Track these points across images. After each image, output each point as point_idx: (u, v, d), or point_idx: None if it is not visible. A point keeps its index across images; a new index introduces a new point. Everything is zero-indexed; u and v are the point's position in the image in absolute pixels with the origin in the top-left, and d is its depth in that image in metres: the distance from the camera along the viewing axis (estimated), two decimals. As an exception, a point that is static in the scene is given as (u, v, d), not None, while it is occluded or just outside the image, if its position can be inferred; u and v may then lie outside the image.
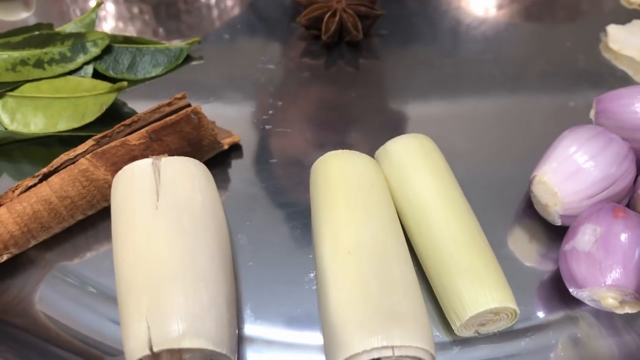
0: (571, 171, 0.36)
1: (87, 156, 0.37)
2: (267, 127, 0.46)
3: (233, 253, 0.37)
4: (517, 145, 0.45)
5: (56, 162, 0.37)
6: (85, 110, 0.43)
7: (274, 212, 0.40)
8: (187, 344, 0.27)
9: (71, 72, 0.47)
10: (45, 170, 0.37)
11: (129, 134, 0.39)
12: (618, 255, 0.31)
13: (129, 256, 0.31)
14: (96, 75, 0.48)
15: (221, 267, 0.31)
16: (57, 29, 0.51)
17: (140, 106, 0.46)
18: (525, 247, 0.38)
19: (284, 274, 0.37)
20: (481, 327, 0.33)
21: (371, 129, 0.47)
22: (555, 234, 0.38)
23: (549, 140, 0.39)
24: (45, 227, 0.36)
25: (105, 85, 0.45)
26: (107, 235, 0.37)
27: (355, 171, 0.36)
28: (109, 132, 0.38)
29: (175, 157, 0.35)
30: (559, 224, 0.37)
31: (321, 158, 0.38)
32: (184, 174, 0.34)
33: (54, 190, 0.36)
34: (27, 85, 0.45)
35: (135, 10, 0.60)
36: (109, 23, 0.58)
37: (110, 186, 0.36)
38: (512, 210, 0.40)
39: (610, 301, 0.31)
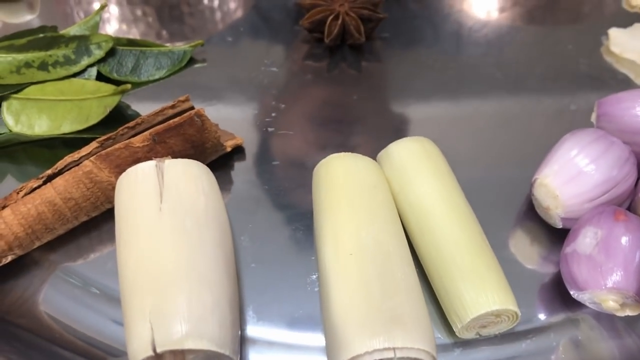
0: (572, 174, 0.36)
1: (91, 158, 0.37)
2: (270, 129, 0.46)
3: (236, 255, 0.37)
4: (519, 148, 0.45)
5: (60, 164, 0.38)
6: (89, 112, 0.44)
7: (276, 214, 0.40)
8: (190, 345, 0.28)
9: (75, 75, 0.47)
10: (49, 172, 0.37)
11: (133, 136, 0.39)
12: (619, 258, 0.31)
13: (132, 258, 0.31)
14: (100, 77, 0.48)
15: (224, 268, 0.32)
16: (61, 32, 0.51)
17: (144, 109, 0.47)
18: (526, 250, 0.39)
19: (286, 276, 0.37)
20: (482, 329, 0.33)
21: (373, 132, 0.47)
22: (556, 236, 0.38)
23: (550, 143, 0.39)
24: (49, 228, 0.37)
25: (109, 88, 0.45)
26: (111, 237, 0.38)
27: (357, 173, 0.36)
28: (113, 134, 0.39)
29: (179, 160, 0.35)
30: (560, 226, 0.37)
31: (323, 160, 0.38)
32: (188, 176, 0.34)
33: (58, 192, 0.36)
34: (32, 87, 0.46)
35: (139, 12, 0.60)
36: (112, 25, 0.58)
37: (114, 188, 0.36)
38: (514, 213, 0.41)
39: (611, 304, 0.31)
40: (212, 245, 0.32)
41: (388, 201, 0.36)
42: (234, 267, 0.34)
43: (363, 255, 0.32)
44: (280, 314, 0.35)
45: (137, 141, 0.38)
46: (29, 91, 0.45)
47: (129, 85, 0.44)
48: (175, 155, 0.39)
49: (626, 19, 0.57)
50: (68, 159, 0.38)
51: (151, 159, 0.35)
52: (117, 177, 0.36)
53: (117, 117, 0.45)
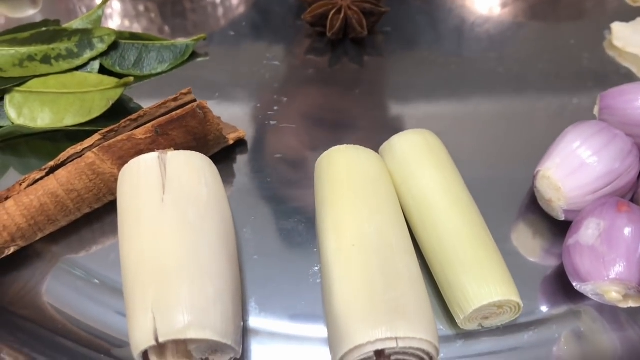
0: (575, 166, 0.36)
1: (94, 150, 0.37)
2: (272, 122, 0.46)
3: (238, 246, 0.37)
4: (521, 141, 0.45)
5: (63, 155, 0.38)
6: (91, 105, 0.44)
7: (278, 206, 0.40)
8: (192, 334, 0.28)
9: (78, 68, 0.48)
10: (52, 163, 0.37)
11: (135, 128, 0.39)
12: (621, 249, 0.31)
13: (135, 249, 0.31)
14: (103, 71, 0.48)
15: (226, 260, 0.32)
16: (64, 25, 0.51)
17: (146, 102, 0.46)
18: (529, 242, 0.39)
19: (288, 268, 0.37)
20: (485, 320, 0.33)
21: (375, 126, 0.47)
22: (559, 229, 0.38)
23: (552, 136, 0.39)
24: (52, 220, 0.37)
25: (111, 81, 0.45)
26: (113, 229, 0.38)
27: (359, 166, 0.37)
28: (116, 126, 0.39)
29: (181, 152, 0.35)
30: (563, 219, 0.37)
31: (326, 153, 0.38)
32: (190, 168, 0.34)
33: (60, 183, 0.36)
34: (34, 80, 0.46)
35: (141, 8, 0.60)
36: (115, 21, 0.59)
37: (116, 180, 0.36)
38: (516, 206, 0.41)
39: (613, 295, 0.31)
40: (214, 236, 0.32)
41: (390, 193, 0.36)
42: (237, 258, 0.34)
43: (365, 247, 0.32)
44: (283, 306, 0.35)
45: (140, 133, 0.38)
46: (32, 84, 0.45)
47: (131, 78, 0.44)
48: (178, 147, 0.39)
49: (629, 14, 0.56)
50: (71, 150, 0.38)
51: (154, 151, 0.35)
52: (119, 169, 0.36)
53: (120, 110, 0.45)
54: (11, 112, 0.44)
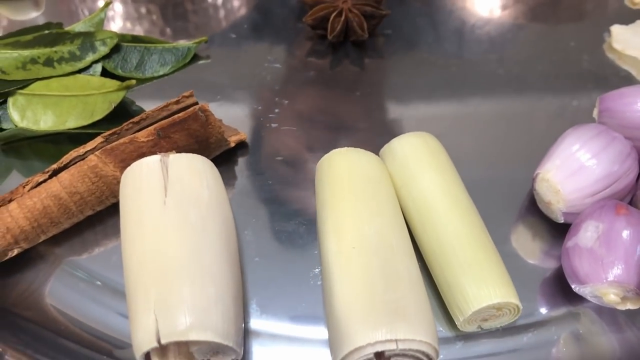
0: (574, 169, 0.36)
1: (96, 153, 0.37)
2: (273, 125, 0.47)
3: (239, 248, 0.38)
4: (521, 143, 0.45)
5: (66, 158, 0.38)
6: (94, 108, 0.44)
7: (279, 208, 0.41)
8: (194, 336, 0.28)
9: (80, 71, 0.48)
10: (55, 166, 0.38)
11: (138, 131, 0.39)
12: (620, 252, 0.32)
13: (137, 251, 0.31)
14: (105, 73, 0.49)
15: (228, 261, 0.32)
16: (67, 28, 0.52)
17: (148, 104, 0.47)
18: (528, 245, 0.39)
19: (289, 270, 0.37)
20: (484, 322, 0.33)
21: (376, 128, 0.47)
22: (558, 231, 0.38)
23: (552, 139, 0.39)
24: (54, 222, 0.37)
25: (113, 84, 0.46)
26: (116, 231, 0.38)
27: (360, 168, 0.37)
28: (118, 129, 0.39)
29: (183, 154, 0.35)
30: (562, 221, 0.37)
31: (326, 155, 0.38)
32: (192, 171, 0.34)
33: (63, 186, 0.37)
34: (37, 83, 0.46)
35: (143, 10, 0.60)
36: (117, 23, 0.59)
37: (118, 182, 0.37)
38: (516, 208, 0.41)
39: (612, 297, 0.31)
40: (215, 238, 0.32)
41: (391, 195, 0.36)
42: (238, 260, 0.34)
43: (366, 249, 0.32)
44: (284, 307, 0.35)
45: (142, 136, 0.38)
46: (35, 87, 0.46)
47: (133, 81, 0.45)
48: (180, 150, 0.39)
49: (629, 16, 0.57)
50: (73, 153, 0.38)
51: (156, 154, 0.35)
52: (122, 172, 0.36)
53: (122, 113, 0.46)
54: (14, 114, 0.44)
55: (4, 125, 0.44)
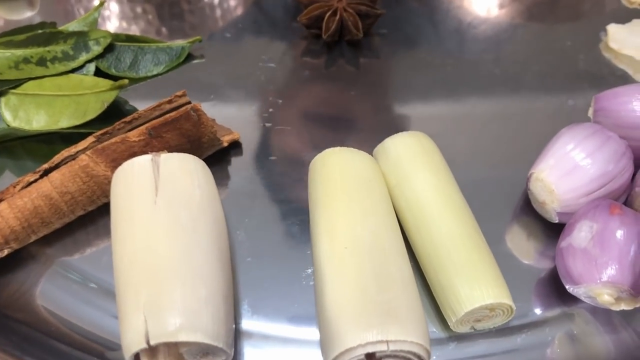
0: (568, 168, 0.36)
1: (88, 152, 0.37)
2: (267, 124, 0.46)
3: (232, 249, 0.37)
4: (516, 143, 0.45)
5: (57, 158, 0.38)
6: (86, 107, 0.44)
7: (272, 208, 0.40)
8: (183, 337, 0.28)
9: (73, 70, 0.48)
10: (46, 166, 0.37)
11: (129, 130, 0.39)
12: (614, 252, 0.31)
13: (127, 251, 0.31)
14: (98, 73, 0.48)
15: (218, 262, 0.32)
16: (60, 28, 0.51)
17: (142, 104, 0.46)
18: (523, 245, 0.39)
19: (281, 270, 0.37)
20: (477, 323, 0.33)
21: (371, 128, 0.47)
22: (552, 231, 0.38)
23: (547, 138, 0.39)
24: (45, 222, 0.37)
25: (106, 83, 0.45)
26: (107, 231, 0.38)
27: (353, 168, 0.37)
28: (110, 128, 0.39)
29: (175, 154, 0.35)
30: (557, 221, 0.37)
31: (319, 155, 0.38)
32: (183, 170, 0.34)
33: (54, 185, 0.36)
34: (30, 82, 0.46)
35: (139, 10, 0.60)
36: (112, 23, 0.59)
37: (110, 182, 0.36)
38: (511, 208, 0.41)
39: (605, 297, 0.31)
40: (206, 238, 0.32)
41: (384, 195, 0.36)
42: (229, 260, 0.34)
43: (358, 249, 0.32)
44: (276, 308, 0.35)
45: (134, 135, 0.38)
46: (27, 86, 0.46)
47: (126, 81, 0.44)
48: (172, 149, 0.39)
49: (625, 15, 0.56)
50: (65, 153, 0.38)
51: (147, 154, 0.35)
52: (113, 171, 0.36)
53: (115, 113, 0.45)
54: (7, 114, 0.44)
55: (-4, 125, 0.44)
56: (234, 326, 0.32)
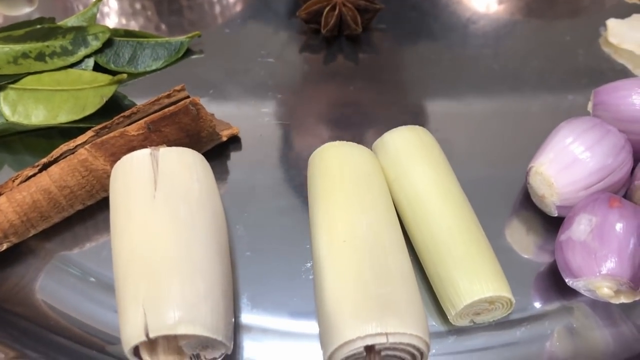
0: (567, 162, 0.36)
1: (87, 146, 0.37)
2: (266, 119, 0.46)
3: (231, 243, 0.37)
4: (516, 138, 0.45)
5: (56, 152, 0.38)
6: (85, 102, 0.44)
7: (271, 203, 0.40)
8: (182, 330, 0.28)
9: (72, 65, 0.47)
10: (45, 160, 0.37)
11: (128, 125, 0.39)
12: (613, 245, 0.31)
13: (126, 245, 0.31)
14: (97, 68, 0.48)
15: (217, 255, 0.32)
16: (59, 23, 0.51)
17: (141, 99, 0.46)
18: (522, 239, 0.39)
19: (281, 264, 0.37)
20: (476, 316, 0.33)
21: (370, 123, 0.47)
22: (552, 225, 0.38)
23: (547, 133, 0.39)
24: (44, 216, 0.37)
25: (105, 78, 0.45)
26: (106, 226, 0.38)
27: (352, 162, 0.37)
28: (109, 123, 0.39)
29: (173, 148, 0.35)
30: (556, 214, 0.37)
31: (318, 149, 0.38)
32: (182, 164, 0.34)
33: (53, 180, 0.36)
34: (29, 77, 0.46)
35: (138, 5, 0.60)
36: (112, 19, 0.59)
37: (109, 176, 0.36)
38: (510, 202, 0.41)
39: (605, 291, 0.31)
40: (205, 232, 0.32)
41: (383, 189, 0.36)
42: (228, 254, 0.34)
43: (357, 243, 0.32)
44: (275, 302, 0.35)
45: (132, 130, 0.38)
46: (26, 81, 0.45)
47: (124, 75, 0.44)
48: (171, 144, 0.39)
49: (625, 10, 0.56)
50: (63, 147, 0.38)
51: (146, 148, 0.35)
52: (112, 166, 0.36)
53: (114, 108, 0.45)
54: (6, 109, 0.44)
55: (-5, 120, 0.44)
56: (233, 319, 0.32)
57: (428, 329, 0.30)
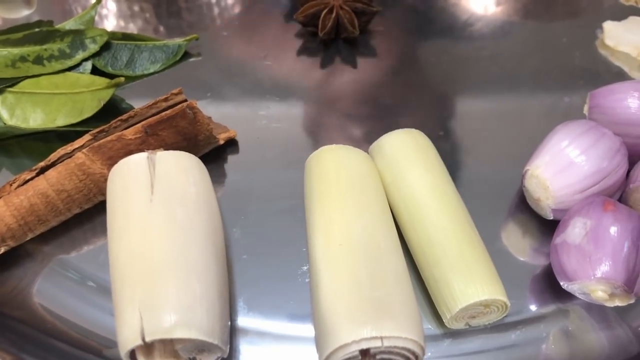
0: (563, 165, 0.36)
1: (84, 150, 0.37)
2: (264, 122, 0.46)
3: (228, 246, 0.37)
4: (512, 140, 0.45)
5: (53, 156, 0.38)
6: (83, 105, 0.44)
7: (268, 206, 0.40)
8: (178, 334, 0.28)
9: (70, 69, 0.48)
10: (42, 164, 0.38)
11: (126, 128, 0.39)
12: (607, 248, 0.31)
13: (123, 249, 0.31)
14: (95, 71, 0.48)
15: (213, 259, 0.32)
16: (57, 26, 0.51)
17: (139, 102, 0.46)
18: (518, 242, 0.39)
19: (277, 267, 0.37)
20: (472, 319, 0.33)
21: (367, 125, 0.47)
22: (547, 228, 0.38)
23: (543, 136, 0.39)
24: (42, 220, 0.37)
25: (103, 81, 0.45)
26: (104, 229, 0.38)
27: (348, 165, 0.37)
28: (106, 126, 0.39)
29: (170, 152, 0.35)
30: (551, 218, 0.37)
31: (315, 152, 0.38)
32: (179, 168, 0.34)
33: (50, 183, 0.37)
34: (27, 81, 0.46)
35: (136, 8, 0.60)
36: (110, 21, 0.59)
37: (106, 180, 0.36)
38: (506, 205, 0.41)
39: (600, 294, 0.31)
40: (202, 236, 0.32)
41: (379, 192, 0.36)
42: (224, 257, 0.34)
43: (352, 246, 0.32)
44: (272, 305, 0.35)
45: (130, 133, 0.38)
46: (24, 85, 0.46)
47: (122, 79, 0.44)
48: (168, 147, 0.39)
49: (621, 12, 0.56)
50: (61, 151, 0.38)
51: (143, 151, 0.35)
52: (109, 169, 0.36)
53: (112, 111, 0.45)
54: (3, 112, 0.44)
55: (-7, 123, 0.44)
56: (229, 323, 0.32)
57: (423, 332, 0.30)
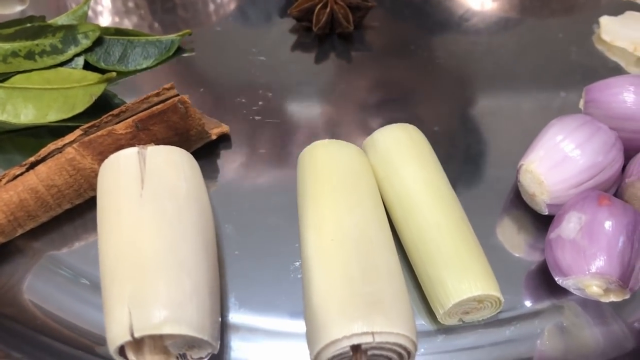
0: (558, 160, 0.35)
1: (74, 145, 0.37)
2: (257, 117, 0.46)
3: (220, 242, 0.37)
4: (508, 135, 0.45)
5: (43, 151, 0.37)
6: (75, 101, 0.44)
7: (261, 201, 0.40)
8: (168, 330, 0.27)
9: (62, 64, 0.47)
10: (32, 159, 0.37)
11: (117, 123, 0.39)
12: (602, 243, 0.31)
13: (112, 244, 0.31)
14: (87, 67, 0.48)
15: (204, 254, 0.31)
16: (49, 21, 0.51)
17: (131, 98, 0.46)
18: (513, 237, 0.38)
19: (269, 263, 0.37)
20: (465, 315, 0.33)
21: (360, 120, 0.47)
22: (542, 223, 0.38)
23: (538, 130, 0.38)
24: (32, 215, 0.36)
25: (94, 76, 0.45)
26: (95, 225, 0.37)
27: (341, 160, 0.36)
28: (97, 121, 0.38)
29: (161, 146, 0.35)
30: (546, 213, 0.37)
31: (308, 147, 0.38)
32: (169, 163, 0.34)
33: (40, 179, 0.36)
34: (18, 76, 0.46)
35: (131, 4, 0.60)
36: (105, 17, 0.58)
37: (97, 175, 0.36)
38: (501, 201, 0.40)
39: (594, 289, 0.31)
40: (192, 231, 0.32)
41: (372, 188, 0.36)
42: (215, 253, 0.33)
43: (344, 241, 0.32)
44: (263, 301, 0.35)
45: (120, 128, 0.38)
46: (15, 80, 0.45)
47: (114, 74, 0.44)
48: (159, 142, 0.39)
49: (618, 7, 0.56)
50: (51, 146, 0.38)
51: (134, 146, 0.35)
52: (100, 164, 0.36)
53: (104, 106, 0.45)
54: (-6, 108, 0.44)
55: (-16, 119, 0.44)
56: (220, 319, 0.31)
57: (415, 328, 0.29)
